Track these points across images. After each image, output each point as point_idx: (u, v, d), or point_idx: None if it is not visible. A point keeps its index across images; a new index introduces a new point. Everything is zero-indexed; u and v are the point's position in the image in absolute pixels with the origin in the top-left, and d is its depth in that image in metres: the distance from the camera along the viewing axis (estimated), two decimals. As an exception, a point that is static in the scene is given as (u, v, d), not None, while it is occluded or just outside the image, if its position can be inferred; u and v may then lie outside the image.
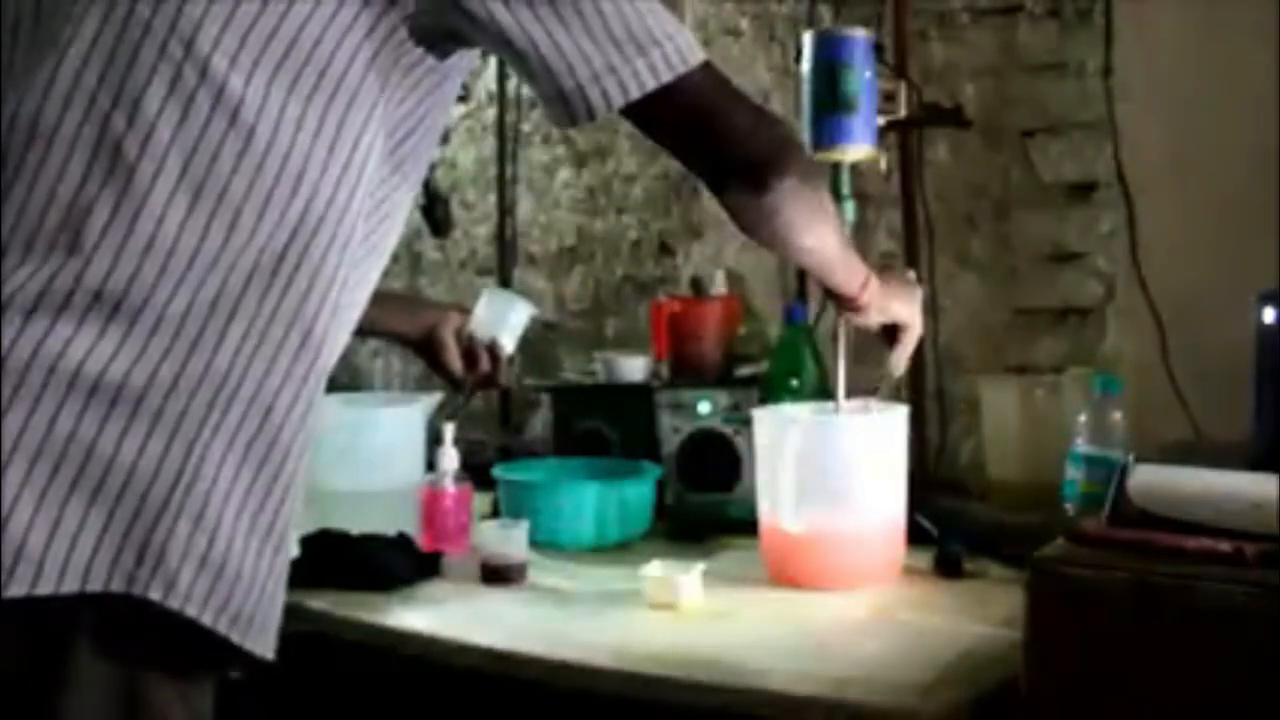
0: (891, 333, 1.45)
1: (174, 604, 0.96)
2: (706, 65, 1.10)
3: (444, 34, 1.07)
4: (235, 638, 0.99)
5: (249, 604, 1.00)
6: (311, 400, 1.04)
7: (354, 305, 1.14)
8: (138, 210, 0.97)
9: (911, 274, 1.48)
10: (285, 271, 1.01)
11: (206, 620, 0.97)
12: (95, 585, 0.94)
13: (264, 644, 1.03)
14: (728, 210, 1.19)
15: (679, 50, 1.07)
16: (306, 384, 1.03)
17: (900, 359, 1.47)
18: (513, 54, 1.06)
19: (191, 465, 0.97)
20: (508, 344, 1.62)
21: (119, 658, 0.97)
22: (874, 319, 1.42)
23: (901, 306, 1.43)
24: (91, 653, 0.96)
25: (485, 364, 1.61)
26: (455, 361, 1.62)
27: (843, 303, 1.39)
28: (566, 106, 1.06)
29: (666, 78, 1.06)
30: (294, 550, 1.51)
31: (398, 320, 1.65)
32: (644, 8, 1.06)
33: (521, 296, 1.70)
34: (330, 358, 1.08)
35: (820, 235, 1.24)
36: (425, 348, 1.65)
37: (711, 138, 1.13)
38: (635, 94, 1.06)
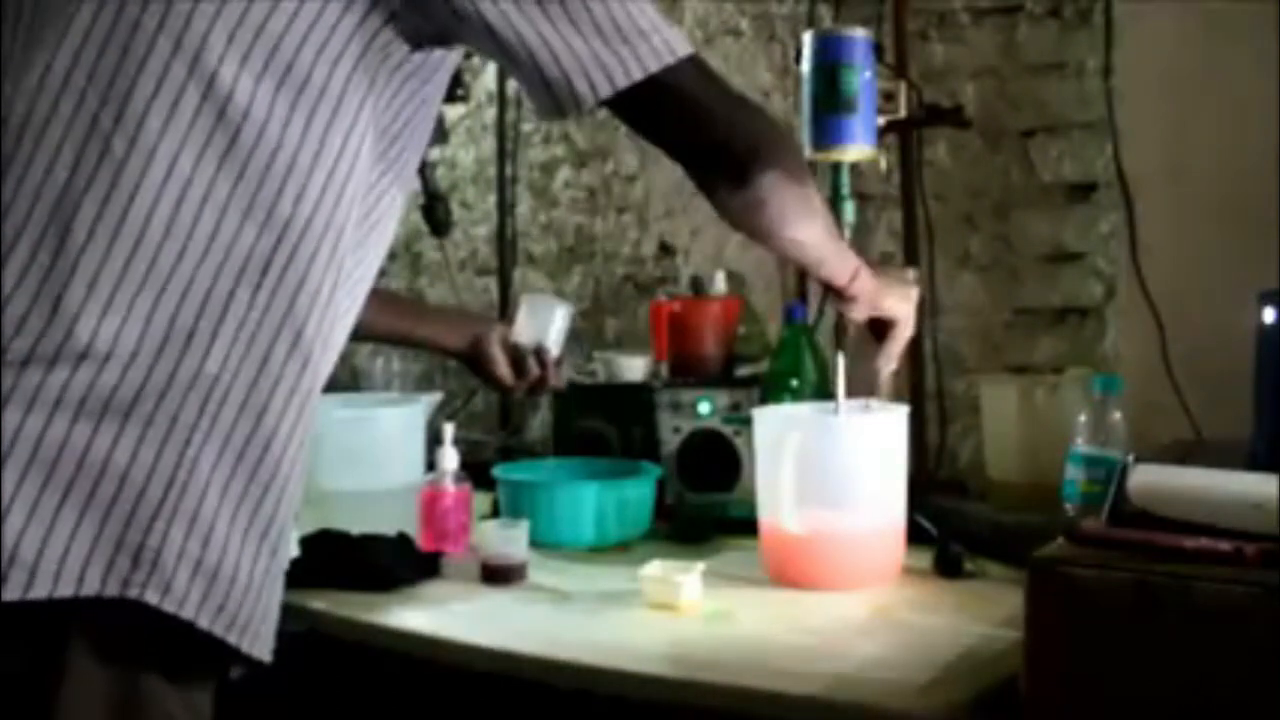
0: (882, 329, 1.43)
1: (170, 607, 0.96)
2: (694, 58, 1.10)
3: (430, 33, 1.07)
4: (232, 640, 0.99)
5: (245, 607, 1.00)
6: (305, 403, 1.04)
7: (350, 306, 1.13)
8: (125, 206, 0.97)
9: (910, 273, 1.47)
10: (275, 271, 1.01)
11: (203, 623, 0.97)
12: (90, 590, 0.94)
13: (261, 646, 1.03)
14: (713, 203, 1.19)
15: (666, 42, 1.07)
16: (299, 386, 1.03)
17: (890, 355, 1.44)
18: (499, 50, 1.05)
19: (184, 470, 0.97)
20: (553, 348, 1.66)
21: (117, 660, 0.97)
22: (863, 312, 1.40)
23: (894, 302, 1.40)
24: (89, 655, 0.96)
25: (534, 370, 1.65)
26: (504, 371, 1.66)
27: (833, 293, 1.38)
28: (553, 97, 1.06)
29: (653, 68, 1.06)
30: (294, 550, 1.52)
31: (440, 332, 1.69)
32: (630, 2, 1.06)
33: (558, 299, 1.74)
34: (324, 360, 1.07)
35: (806, 228, 1.24)
36: (471, 359, 1.68)
37: (698, 130, 1.13)
38: (622, 83, 1.05)
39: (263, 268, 1.00)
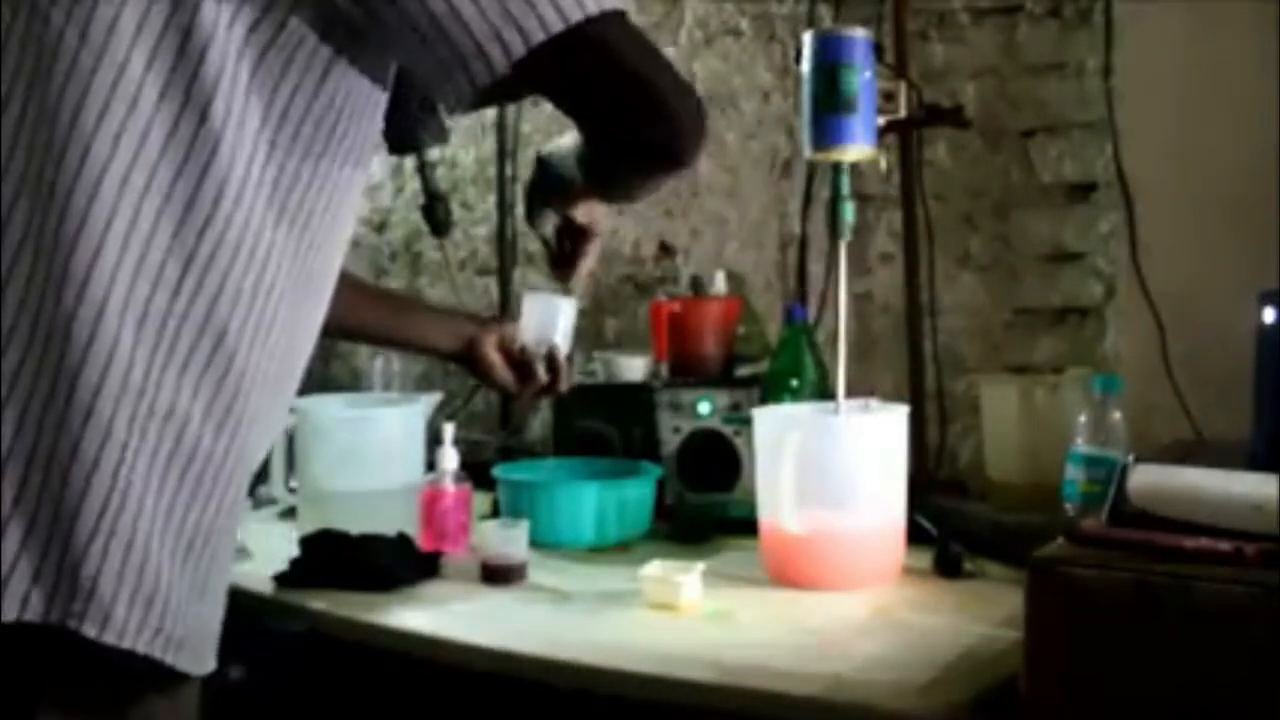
0: (577, 237, 1.40)
1: (110, 639, 0.94)
2: (621, 16, 1.00)
3: (340, 18, 1.00)
4: (169, 660, 0.98)
5: (180, 625, 0.99)
6: (230, 408, 1.01)
7: (296, 304, 1.08)
8: (47, 202, 0.95)
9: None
10: (194, 273, 0.98)
11: (140, 649, 0.96)
12: (32, 616, 0.92)
13: (199, 660, 1.02)
14: (622, 173, 1.13)
15: None
16: (221, 393, 1.00)
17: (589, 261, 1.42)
18: (409, 30, 0.98)
19: (118, 494, 0.95)
20: (563, 346, 1.52)
21: (100, 667, 0.96)
22: (583, 216, 1.38)
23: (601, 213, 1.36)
24: (71, 665, 0.95)
25: (544, 374, 1.51)
26: (506, 376, 1.52)
27: (575, 197, 1.35)
28: (466, 70, 0.97)
29: (575, 17, 0.97)
30: (294, 550, 1.52)
31: (429, 333, 1.56)
32: None
33: (561, 293, 1.56)
34: (252, 364, 1.02)
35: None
36: (467, 363, 1.55)
37: (629, 98, 1.04)
38: (538, 37, 0.96)
39: (181, 271, 0.97)
